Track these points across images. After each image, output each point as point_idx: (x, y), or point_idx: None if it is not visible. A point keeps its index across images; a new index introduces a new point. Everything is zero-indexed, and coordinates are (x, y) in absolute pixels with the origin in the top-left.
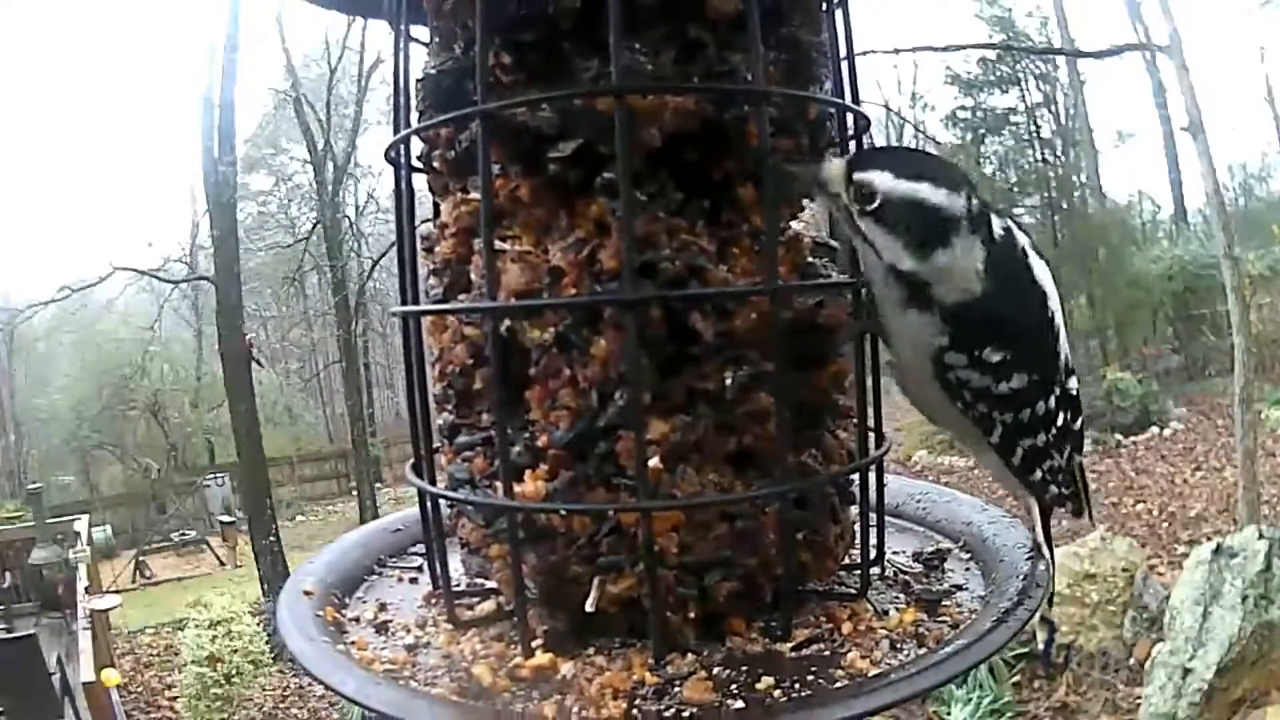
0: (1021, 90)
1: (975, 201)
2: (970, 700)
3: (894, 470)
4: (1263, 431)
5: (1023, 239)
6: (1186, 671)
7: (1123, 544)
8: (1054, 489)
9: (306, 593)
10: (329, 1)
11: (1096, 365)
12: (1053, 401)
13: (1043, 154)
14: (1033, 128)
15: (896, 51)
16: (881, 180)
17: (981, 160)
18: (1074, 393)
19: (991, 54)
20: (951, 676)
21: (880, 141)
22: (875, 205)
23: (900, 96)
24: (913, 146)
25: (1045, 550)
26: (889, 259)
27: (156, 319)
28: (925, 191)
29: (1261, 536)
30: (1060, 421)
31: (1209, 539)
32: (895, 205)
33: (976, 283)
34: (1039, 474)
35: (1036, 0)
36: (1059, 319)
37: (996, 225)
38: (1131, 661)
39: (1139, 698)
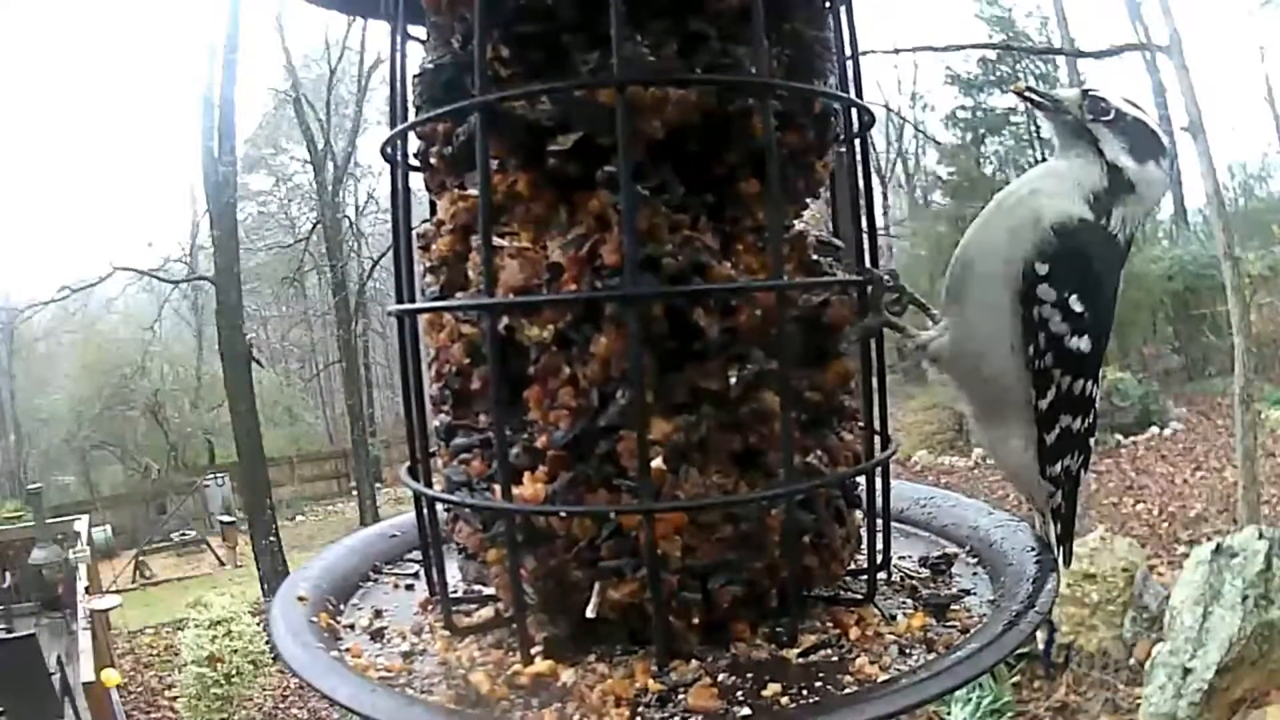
0: None
1: (1176, 165)
2: (970, 700)
3: (894, 471)
4: (1263, 431)
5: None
6: (1186, 671)
7: (1123, 544)
8: (1059, 496)
9: (301, 599)
10: (329, 1)
11: None
12: (1092, 389)
13: (1043, 154)
14: (1033, 128)
15: (896, 51)
16: (1117, 101)
17: (981, 160)
18: (1094, 398)
19: (991, 54)
20: (962, 682)
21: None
22: (1110, 116)
23: (900, 96)
24: None
25: (1053, 546)
26: (1111, 156)
27: (156, 319)
28: (1148, 119)
29: (1261, 536)
30: (1089, 419)
31: (1209, 539)
32: (1127, 118)
33: (1148, 212)
34: (1059, 467)
35: (1036, 0)
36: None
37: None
38: (1131, 661)
39: (1139, 698)
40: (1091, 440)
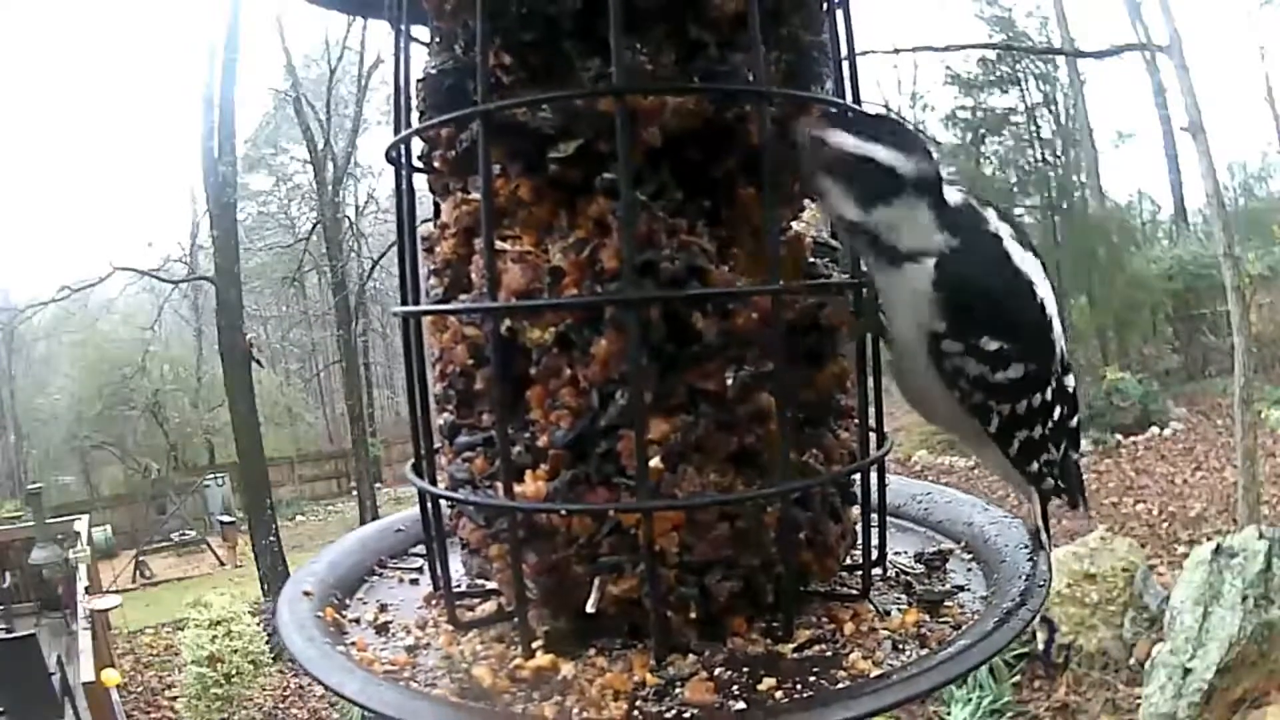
0: (1021, 90)
1: (926, 167)
2: (970, 700)
3: (894, 470)
4: (1263, 431)
5: (1000, 225)
6: (1186, 671)
7: (1123, 544)
8: (1050, 480)
9: (306, 594)
10: (329, 1)
11: (1096, 365)
12: (1049, 394)
13: (1043, 154)
14: (1033, 128)
15: (896, 51)
16: (838, 138)
17: (981, 160)
18: (1071, 389)
19: (991, 54)
20: (954, 677)
21: None
22: (829, 162)
23: (900, 96)
24: (877, 113)
25: (1044, 539)
26: (836, 209)
27: (156, 319)
28: (877, 151)
29: (1261, 536)
30: (1057, 415)
31: (1209, 539)
32: (847, 160)
33: (936, 238)
34: (1036, 465)
35: (1036, 0)
36: (1052, 311)
37: (953, 197)
38: (1131, 661)
39: (1139, 698)
40: (1075, 425)
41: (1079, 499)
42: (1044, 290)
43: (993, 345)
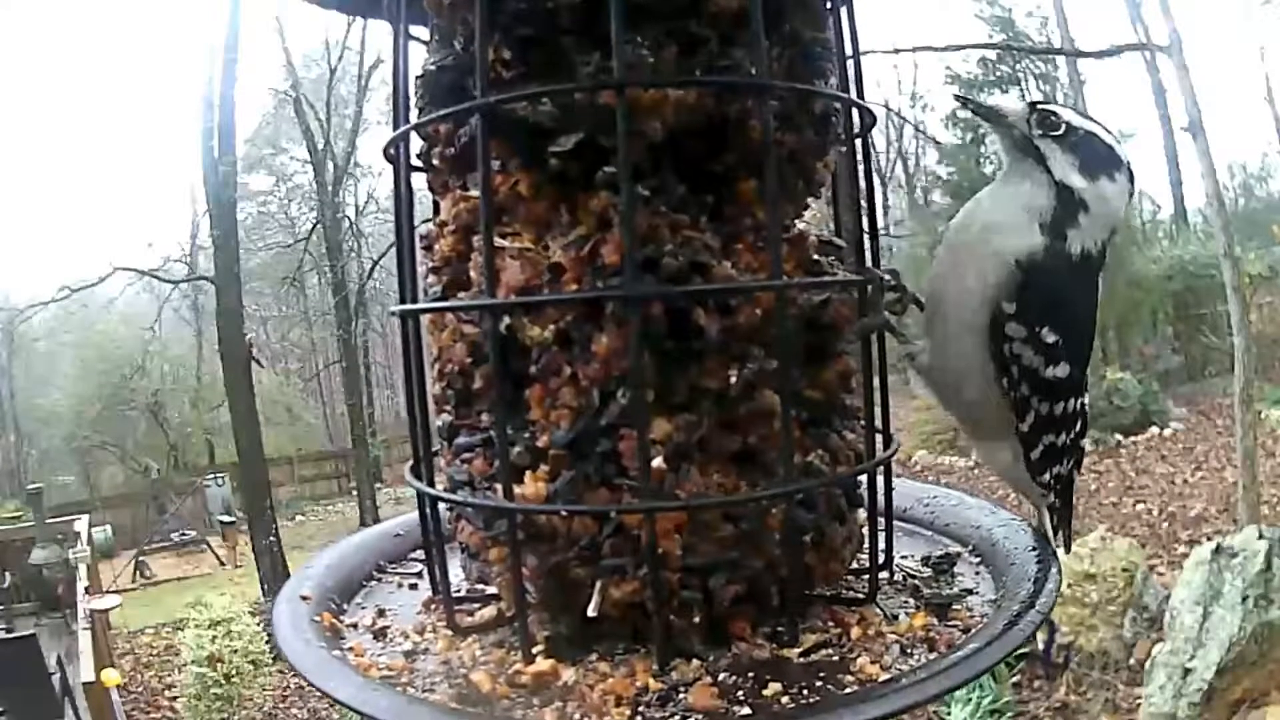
0: (1021, 90)
1: (1134, 178)
2: (970, 700)
3: (895, 470)
4: (1263, 431)
5: (1105, 250)
6: (1186, 671)
7: (1123, 544)
8: (1052, 497)
9: (304, 598)
10: (329, 1)
11: (1096, 365)
12: (1077, 403)
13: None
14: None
15: (896, 51)
16: (1067, 114)
17: (981, 160)
18: (1085, 406)
19: (991, 54)
20: (963, 682)
21: (880, 141)
22: (1060, 131)
23: (900, 96)
24: None
25: (1052, 541)
26: (1060, 175)
27: (156, 319)
28: (1101, 131)
29: (1261, 536)
30: (1076, 429)
31: (1209, 539)
32: (1078, 132)
33: (1109, 229)
34: (1049, 476)
35: (1036, 0)
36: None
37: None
38: (1131, 661)
39: (1139, 698)
40: (1083, 443)
41: (1063, 529)
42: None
43: (1051, 338)
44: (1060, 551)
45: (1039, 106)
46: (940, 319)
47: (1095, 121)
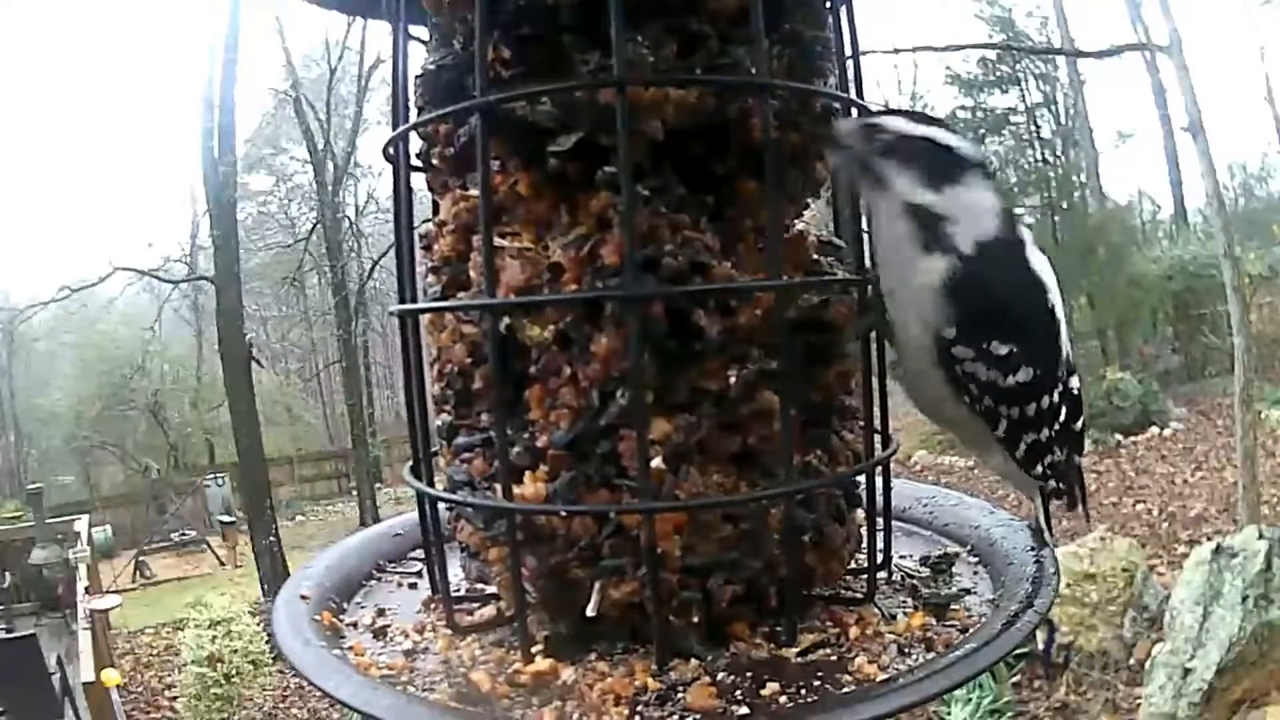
0: (1021, 90)
1: (992, 163)
2: (970, 700)
3: (894, 471)
4: (1263, 431)
5: (1023, 228)
6: (1186, 671)
7: (1123, 544)
8: (1053, 482)
9: (304, 597)
10: (329, 1)
11: (1096, 365)
12: (1055, 396)
13: (1043, 154)
14: (1033, 128)
15: (896, 51)
16: (896, 123)
17: None
18: (1075, 391)
19: (991, 54)
20: (960, 681)
21: None
22: (891, 146)
23: (900, 96)
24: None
25: (1048, 536)
26: (904, 193)
27: (156, 319)
28: (936, 133)
29: (1261, 536)
30: (1062, 418)
31: (1209, 539)
32: (910, 141)
33: (993, 224)
34: (1040, 468)
35: (1036, 0)
36: (1060, 314)
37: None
38: (1131, 661)
39: (1139, 698)
40: (1080, 428)
41: (1079, 500)
42: (1054, 294)
43: (1003, 349)
44: (1081, 510)
45: (865, 122)
46: (900, 352)
47: (933, 122)
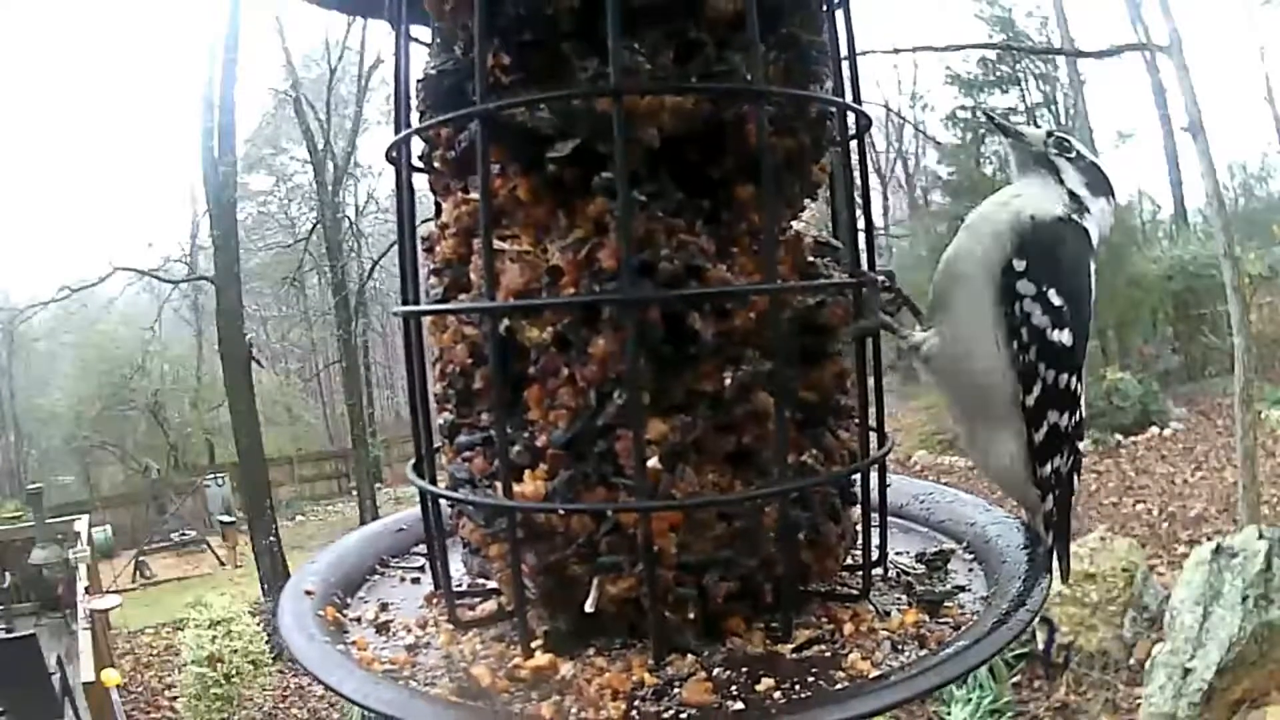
0: (1021, 90)
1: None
2: (970, 700)
3: (894, 470)
4: (1263, 431)
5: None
6: (1186, 671)
7: (1123, 544)
8: (1049, 501)
9: (308, 592)
10: (329, 1)
11: (1096, 365)
12: (1077, 385)
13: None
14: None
15: (896, 51)
16: (1078, 144)
17: (981, 160)
18: (1082, 400)
19: (991, 54)
20: (952, 678)
21: (880, 141)
22: (1072, 154)
23: (900, 96)
24: None
25: (1046, 540)
26: (1071, 185)
27: (156, 319)
28: (1101, 165)
29: (1261, 536)
30: (1076, 418)
31: (1209, 539)
32: (1085, 160)
33: (1100, 232)
34: (1049, 469)
35: (1036, 0)
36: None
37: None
38: (1131, 661)
39: (1139, 698)
40: (1081, 444)
41: (1063, 554)
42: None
43: (1057, 300)
44: (1058, 575)
45: (1055, 133)
46: (953, 285)
47: (1095, 156)
